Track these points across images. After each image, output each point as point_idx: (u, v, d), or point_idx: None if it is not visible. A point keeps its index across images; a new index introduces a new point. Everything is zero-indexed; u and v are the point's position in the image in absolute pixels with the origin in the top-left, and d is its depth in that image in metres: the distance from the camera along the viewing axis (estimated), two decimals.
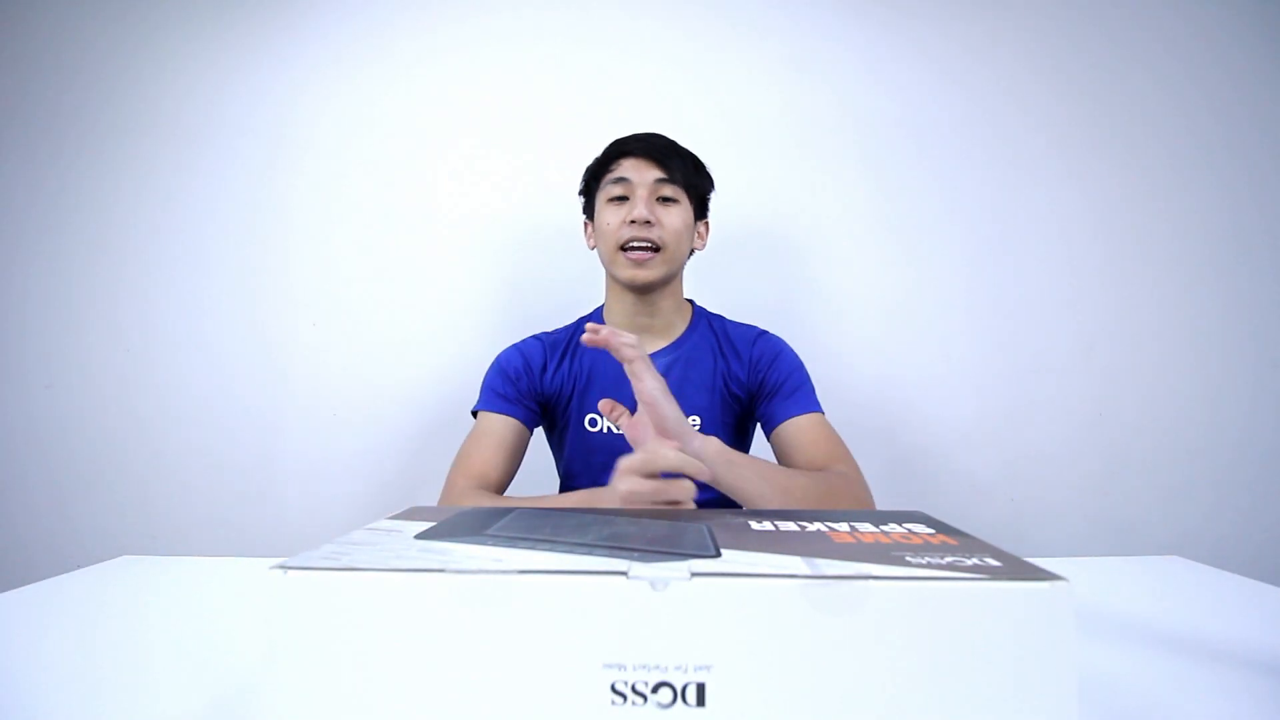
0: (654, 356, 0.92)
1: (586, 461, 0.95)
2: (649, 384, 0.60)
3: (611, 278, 0.95)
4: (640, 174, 0.89)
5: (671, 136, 0.96)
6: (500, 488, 0.87)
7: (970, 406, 1.38)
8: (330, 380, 1.38)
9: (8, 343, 1.39)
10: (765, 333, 0.99)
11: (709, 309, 1.04)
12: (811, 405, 0.90)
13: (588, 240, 0.99)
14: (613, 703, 0.25)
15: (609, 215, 0.91)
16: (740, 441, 0.98)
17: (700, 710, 0.24)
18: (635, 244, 0.88)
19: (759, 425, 0.96)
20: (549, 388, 0.95)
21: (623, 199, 0.90)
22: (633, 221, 0.88)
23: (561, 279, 1.34)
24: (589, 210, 0.98)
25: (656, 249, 0.88)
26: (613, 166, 0.92)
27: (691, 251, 0.97)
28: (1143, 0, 1.41)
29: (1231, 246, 1.39)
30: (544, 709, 0.25)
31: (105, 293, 1.40)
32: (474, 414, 0.94)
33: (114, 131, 1.40)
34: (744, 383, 0.94)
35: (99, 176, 1.40)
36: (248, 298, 1.39)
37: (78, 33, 1.41)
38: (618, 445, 0.85)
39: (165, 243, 1.40)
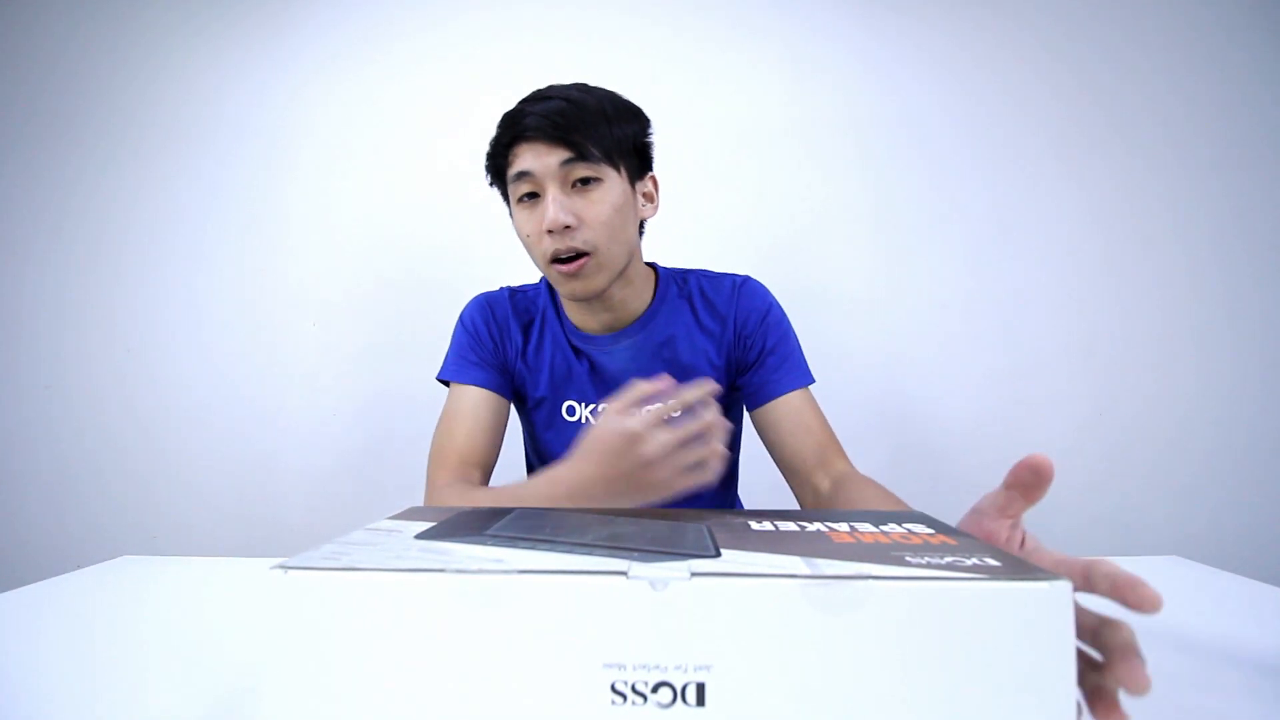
0: (615, 338, 0.80)
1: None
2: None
3: None
4: (542, 160, 0.70)
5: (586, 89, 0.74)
6: (485, 471, 0.77)
7: (970, 406, 1.38)
8: (330, 380, 1.38)
9: (8, 343, 1.39)
10: (747, 280, 0.84)
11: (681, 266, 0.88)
12: (803, 377, 0.79)
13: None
14: (613, 702, 0.25)
15: (522, 221, 0.73)
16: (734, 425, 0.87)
17: (700, 710, 0.24)
18: (561, 255, 0.71)
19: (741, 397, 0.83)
20: (513, 360, 0.82)
21: (534, 195, 0.72)
22: (549, 231, 0.70)
23: None
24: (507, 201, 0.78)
25: (587, 253, 0.71)
26: (510, 157, 0.72)
27: (642, 224, 0.80)
28: None
29: (1232, 245, 1.39)
30: (544, 709, 0.25)
31: (105, 293, 1.40)
32: (441, 382, 0.83)
33: (113, 132, 1.41)
34: (731, 351, 0.81)
35: (99, 176, 1.40)
36: (248, 297, 1.40)
37: (77, 33, 1.41)
38: None
39: (165, 243, 1.40)
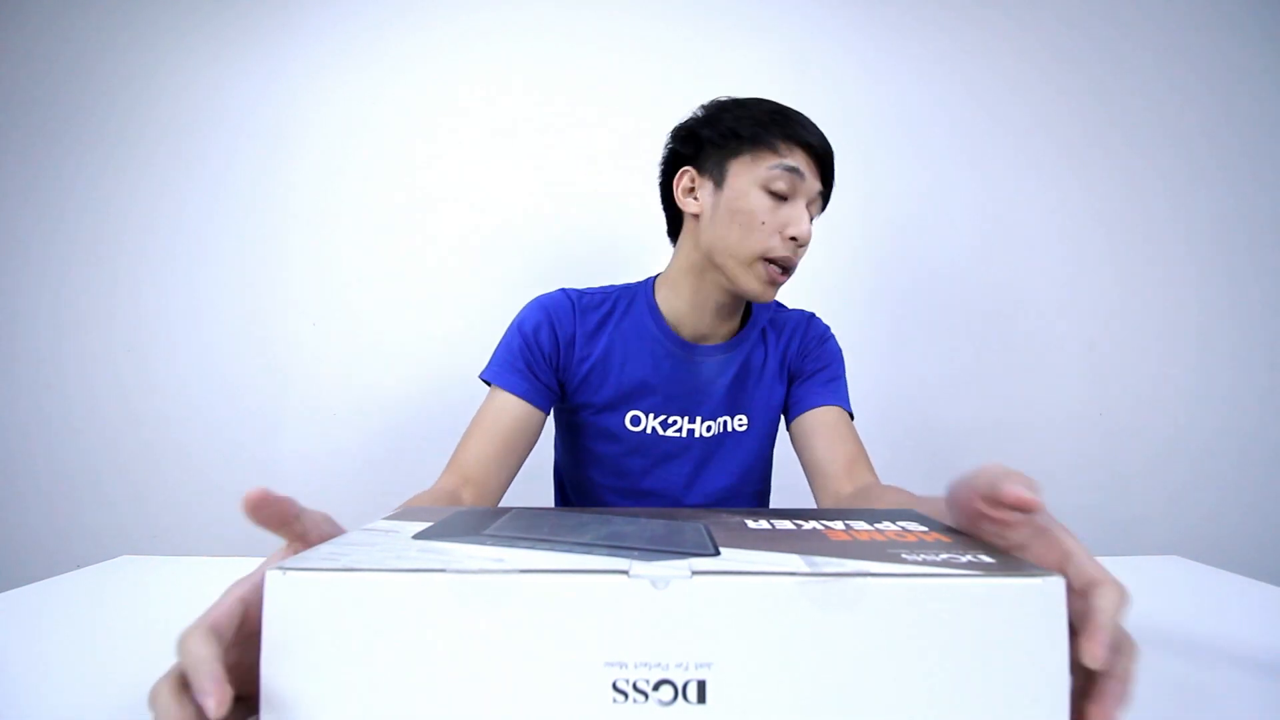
0: (712, 353, 0.81)
1: (619, 466, 0.82)
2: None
3: (710, 277, 0.77)
4: (812, 179, 0.73)
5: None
6: (484, 489, 0.73)
7: (971, 406, 1.38)
8: (330, 380, 1.38)
9: (8, 343, 1.39)
10: (815, 315, 0.90)
11: None
12: (844, 399, 0.82)
13: (681, 194, 0.78)
14: (614, 700, 0.25)
15: (766, 209, 0.71)
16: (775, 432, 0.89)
17: (701, 707, 0.25)
18: (784, 263, 0.73)
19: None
20: (574, 369, 0.79)
21: (782, 198, 0.72)
22: (793, 238, 0.71)
23: (563, 277, 1.34)
24: (703, 164, 0.76)
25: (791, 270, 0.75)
26: (782, 149, 0.72)
27: None
28: None
29: (1233, 245, 1.39)
30: (546, 707, 0.25)
31: (105, 293, 1.39)
32: (485, 381, 0.80)
33: (112, 130, 1.40)
34: (792, 368, 0.85)
35: (97, 176, 1.40)
36: (247, 297, 1.39)
37: (75, 32, 1.41)
38: (666, 447, 0.80)
39: (165, 242, 1.40)
